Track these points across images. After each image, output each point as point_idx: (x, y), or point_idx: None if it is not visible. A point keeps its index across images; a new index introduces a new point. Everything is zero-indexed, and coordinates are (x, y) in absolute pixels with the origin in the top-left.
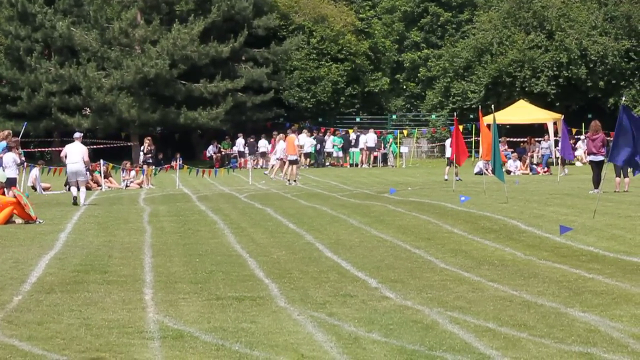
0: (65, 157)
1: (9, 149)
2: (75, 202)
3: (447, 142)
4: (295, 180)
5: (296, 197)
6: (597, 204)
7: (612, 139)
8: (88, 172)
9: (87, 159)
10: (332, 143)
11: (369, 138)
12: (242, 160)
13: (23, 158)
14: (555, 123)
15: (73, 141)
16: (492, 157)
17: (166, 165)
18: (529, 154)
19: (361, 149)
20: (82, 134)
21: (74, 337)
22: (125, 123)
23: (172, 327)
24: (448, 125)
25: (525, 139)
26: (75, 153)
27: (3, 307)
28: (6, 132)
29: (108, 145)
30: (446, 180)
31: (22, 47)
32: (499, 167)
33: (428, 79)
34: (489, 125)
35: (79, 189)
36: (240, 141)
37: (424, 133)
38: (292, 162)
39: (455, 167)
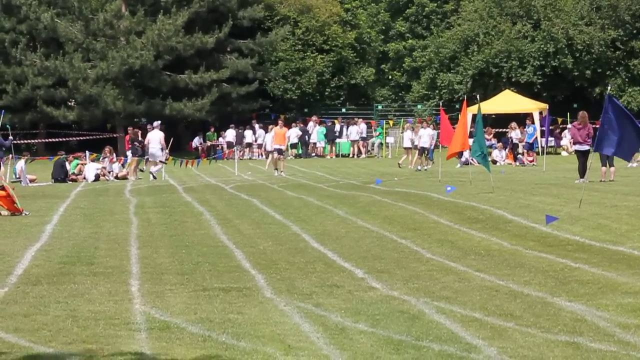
0: (148, 142)
1: None
2: (154, 177)
3: (424, 132)
4: (277, 169)
5: (282, 188)
6: (582, 193)
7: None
8: (164, 152)
9: (163, 143)
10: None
11: (362, 128)
12: (228, 151)
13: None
14: (541, 112)
15: (151, 129)
16: (472, 146)
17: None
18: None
19: (353, 141)
20: (159, 122)
21: (61, 329)
22: (111, 115)
23: (159, 318)
24: (434, 115)
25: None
26: (154, 139)
27: None
28: None
29: (93, 137)
30: (419, 170)
31: (7, 39)
32: (485, 156)
33: (413, 69)
34: (474, 116)
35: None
36: (230, 132)
37: (410, 123)
38: (279, 152)
39: (426, 158)
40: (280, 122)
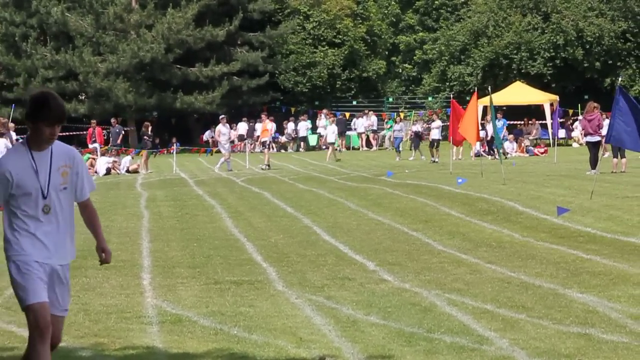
0: (219, 134)
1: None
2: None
3: (434, 124)
4: (268, 165)
5: (293, 180)
6: (594, 184)
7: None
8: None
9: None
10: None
11: (373, 121)
12: (240, 144)
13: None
14: (551, 104)
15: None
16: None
17: (161, 150)
18: (526, 135)
19: (359, 134)
20: (224, 116)
21: (73, 323)
22: (122, 108)
23: (171, 311)
24: (445, 107)
25: (522, 122)
26: (223, 132)
27: (1, 293)
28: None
29: (104, 130)
30: (435, 162)
31: (17, 34)
32: (499, 147)
33: (424, 61)
34: (485, 108)
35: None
36: (242, 125)
37: (421, 116)
38: (262, 145)
39: (437, 149)
40: (263, 115)
